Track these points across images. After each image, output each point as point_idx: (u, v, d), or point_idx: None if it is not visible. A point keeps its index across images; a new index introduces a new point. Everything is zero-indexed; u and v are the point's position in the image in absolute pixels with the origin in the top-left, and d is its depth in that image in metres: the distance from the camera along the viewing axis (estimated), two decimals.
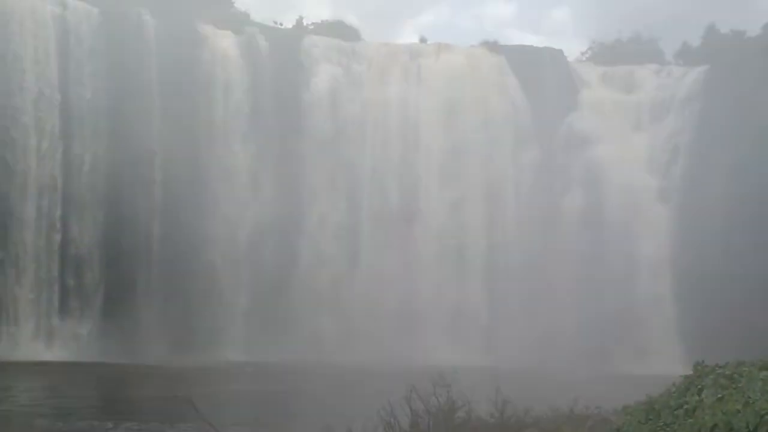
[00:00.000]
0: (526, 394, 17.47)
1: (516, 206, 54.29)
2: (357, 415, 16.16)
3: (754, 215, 47.75)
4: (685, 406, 9.06)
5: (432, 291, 51.32)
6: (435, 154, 54.44)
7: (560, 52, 61.08)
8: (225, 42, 53.14)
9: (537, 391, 18.00)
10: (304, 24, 62.63)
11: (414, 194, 54.05)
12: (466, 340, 49.88)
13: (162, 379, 35.58)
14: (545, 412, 17.46)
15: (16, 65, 46.28)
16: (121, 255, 47.47)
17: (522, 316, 49.07)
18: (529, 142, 55.50)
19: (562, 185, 54.66)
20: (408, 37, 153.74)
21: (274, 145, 51.99)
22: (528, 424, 16.72)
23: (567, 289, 49.16)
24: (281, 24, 60.72)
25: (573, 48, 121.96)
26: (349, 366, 42.45)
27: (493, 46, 60.26)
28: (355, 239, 52.88)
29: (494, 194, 54.39)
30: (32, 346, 44.50)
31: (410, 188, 54.12)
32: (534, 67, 57.26)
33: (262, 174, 51.61)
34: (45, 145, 46.54)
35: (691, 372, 10.65)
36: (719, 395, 8.86)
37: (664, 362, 43.81)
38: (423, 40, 64.80)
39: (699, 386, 9.62)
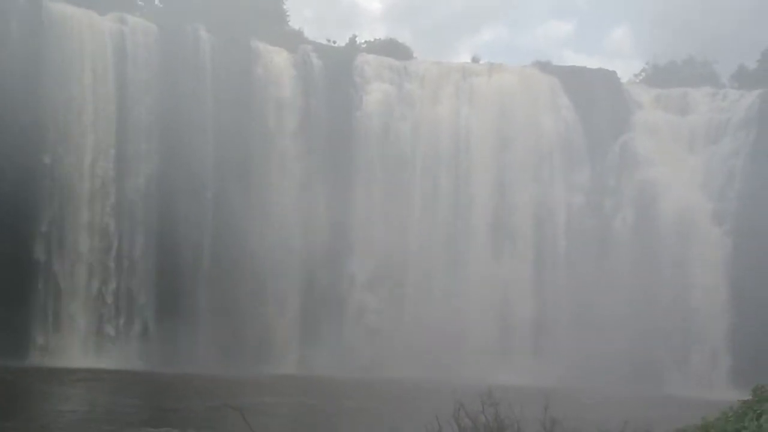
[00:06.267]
0: (575, 415, 17.23)
1: (566, 226, 53.77)
2: (404, 429, 16.07)
3: None
4: (744, 431, 8.83)
5: (480, 309, 50.86)
6: (485, 174, 54.11)
7: (614, 73, 60.57)
8: (278, 59, 53.40)
9: (586, 412, 17.73)
10: (357, 42, 62.97)
11: (464, 215, 53.76)
12: (514, 359, 49.55)
13: (211, 389, 35.74)
14: None
15: (74, 79, 47.09)
16: (172, 266, 47.76)
17: (571, 336, 48.51)
18: (580, 162, 55.07)
19: (613, 206, 54.19)
20: (464, 56, 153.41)
21: (325, 162, 52.10)
22: None
23: (618, 310, 48.43)
24: (335, 42, 61.05)
25: (632, 68, 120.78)
26: (397, 382, 42.39)
27: (545, 67, 59.70)
28: (404, 258, 52.63)
29: (545, 214, 53.93)
30: (83, 354, 44.99)
31: (460, 209, 53.85)
32: (587, 88, 56.75)
33: (313, 190, 51.60)
34: (100, 158, 47.19)
35: (748, 396, 10.36)
36: None
37: (716, 386, 43.13)
38: (475, 59, 64.71)
39: (758, 411, 9.35)
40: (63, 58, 46.70)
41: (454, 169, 54.55)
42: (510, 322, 51.75)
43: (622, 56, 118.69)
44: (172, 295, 47.49)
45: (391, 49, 60.88)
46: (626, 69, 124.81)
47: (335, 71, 54.40)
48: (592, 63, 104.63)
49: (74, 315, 45.95)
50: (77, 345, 45.52)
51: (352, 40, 62.85)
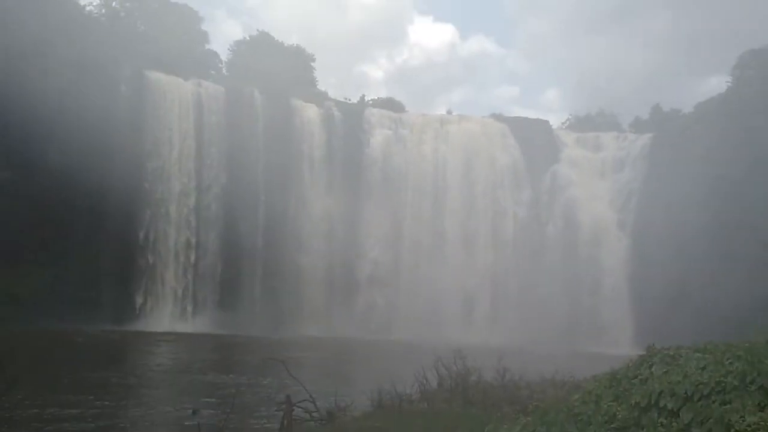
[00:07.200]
0: (520, 365, 17.21)
1: (514, 231, 53.79)
2: (399, 375, 16.02)
3: (687, 238, 46.90)
4: (640, 377, 8.81)
5: (453, 289, 50.76)
6: (457, 193, 54.23)
7: (547, 122, 60.95)
8: (310, 112, 53.54)
9: (528, 364, 17.69)
10: (366, 100, 63.18)
11: (441, 222, 53.77)
12: (477, 324, 49.61)
13: (262, 346, 35.65)
14: (534, 378, 17.16)
15: (166, 125, 47.23)
16: (235, 256, 47.80)
17: (517, 309, 48.64)
18: (523, 185, 55.14)
19: (547, 217, 54.25)
20: (441, 109, 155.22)
21: (343, 186, 52.30)
22: (522, 387, 16.49)
23: (552, 290, 48.61)
24: (349, 99, 61.23)
25: (560, 118, 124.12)
26: (394, 341, 42.34)
27: (499, 117, 60.21)
28: (399, 255, 52.59)
29: (499, 222, 53.97)
30: (171, 321, 45.04)
31: (439, 218, 53.87)
32: (528, 132, 56.82)
33: (334, 204, 51.82)
34: (184, 184, 47.37)
35: (643, 352, 10.36)
36: (665, 369, 8.62)
37: (620, 345, 42.96)
38: (449, 112, 64.80)
39: (650, 363, 9.34)
40: (159, 112, 47.02)
41: (434, 190, 54.63)
42: (474, 297, 51.76)
43: (553, 110, 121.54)
44: (235, 277, 47.50)
45: (390, 104, 61.24)
46: (556, 119, 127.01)
47: (350, 120, 54.55)
48: (531, 115, 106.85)
49: (165, 295, 45.92)
50: (167, 315, 45.50)
51: (362, 98, 63.06)
